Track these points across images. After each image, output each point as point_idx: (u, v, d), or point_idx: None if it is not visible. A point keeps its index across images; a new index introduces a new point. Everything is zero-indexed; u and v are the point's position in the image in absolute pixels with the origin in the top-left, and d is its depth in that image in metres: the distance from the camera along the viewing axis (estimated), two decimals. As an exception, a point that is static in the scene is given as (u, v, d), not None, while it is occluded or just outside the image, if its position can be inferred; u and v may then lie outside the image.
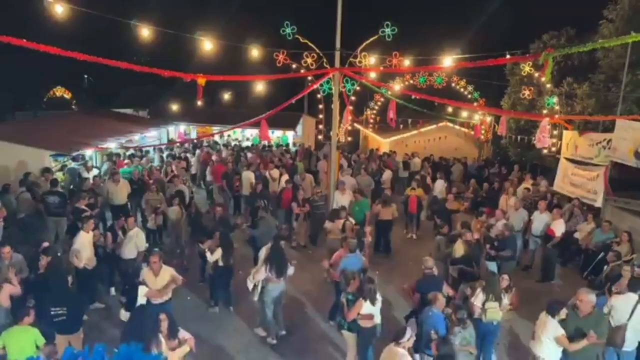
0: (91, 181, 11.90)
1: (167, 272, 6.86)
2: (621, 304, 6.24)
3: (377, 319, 6.26)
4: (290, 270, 7.32)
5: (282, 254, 7.36)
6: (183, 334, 5.48)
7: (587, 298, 5.69)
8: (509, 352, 7.42)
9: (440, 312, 5.91)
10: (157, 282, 6.72)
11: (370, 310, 6.14)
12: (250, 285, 7.20)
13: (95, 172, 13.23)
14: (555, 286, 9.72)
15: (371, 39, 12.33)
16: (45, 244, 7.39)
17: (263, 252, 7.39)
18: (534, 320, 7.95)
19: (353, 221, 9.39)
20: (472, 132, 20.58)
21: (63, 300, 6.19)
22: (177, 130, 23.46)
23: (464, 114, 21.54)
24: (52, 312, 6.05)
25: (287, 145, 22.13)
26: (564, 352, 5.76)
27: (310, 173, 14.74)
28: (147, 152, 16.90)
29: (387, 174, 15.22)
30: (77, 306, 6.40)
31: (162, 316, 5.39)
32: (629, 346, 6.14)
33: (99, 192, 11.11)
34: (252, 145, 21.44)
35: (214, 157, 15.70)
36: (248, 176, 12.91)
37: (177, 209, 10.00)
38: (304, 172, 14.40)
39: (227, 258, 7.83)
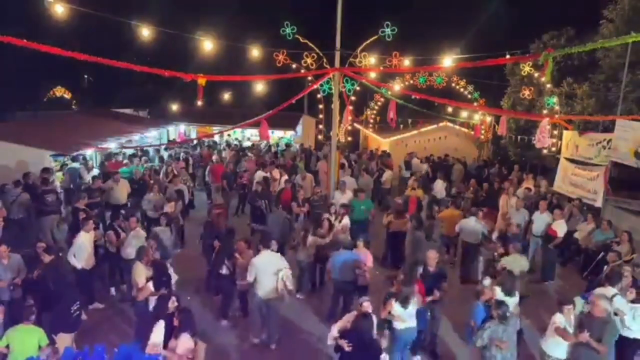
0: (91, 181, 11.93)
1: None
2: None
3: (412, 323, 6.25)
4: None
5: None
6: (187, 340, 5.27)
7: (599, 303, 5.70)
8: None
9: (482, 305, 6.06)
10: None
11: (400, 312, 6.13)
12: None
13: (95, 172, 13.24)
14: (554, 286, 9.73)
15: (371, 39, 12.34)
16: (42, 245, 7.36)
17: None
18: (533, 318, 8.03)
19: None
20: (472, 132, 20.57)
21: (77, 297, 6.35)
22: (177, 130, 23.45)
23: (464, 114, 21.51)
24: (71, 310, 6.15)
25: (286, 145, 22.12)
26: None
27: (310, 173, 14.74)
28: (147, 152, 16.91)
29: (387, 174, 15.22)
30: (82, 302, 6.51)
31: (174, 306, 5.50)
32: None
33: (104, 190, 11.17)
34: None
35: (213, 157, 15.70)
36: (260, 175, 12.94)
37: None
38: (304, 171, 14.40)
39: (218, 266, 7.66)
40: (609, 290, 6.41)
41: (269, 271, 6.90)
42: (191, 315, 5.44)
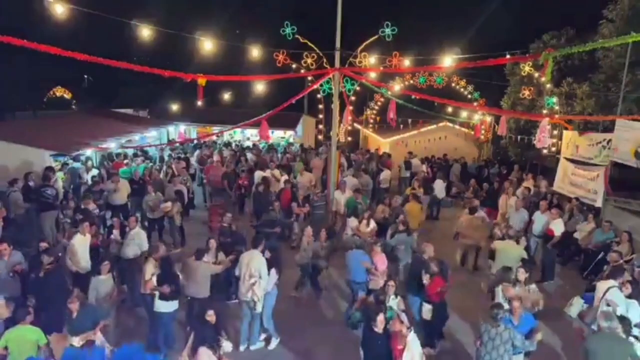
0: (89, 181, 11.95)
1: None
2: (600, 290, 6.57)
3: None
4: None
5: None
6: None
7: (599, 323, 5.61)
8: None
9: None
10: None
11: None
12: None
13: (94, 172, 13.23)
14: (554, 286, 9.72)
15: (371, 39, 12.34)
16: (44, 245, 7.35)
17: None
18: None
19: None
20: (472, 132, 20.57)
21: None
22: (177, 130, 23.44)
23: (464, 114, 21.53)
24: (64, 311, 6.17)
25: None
26: None
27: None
28: (146, 152, 16.91)
29: (385, 174, 15.21)
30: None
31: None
32: None
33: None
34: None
35: (214, 157, 15.68)
36: (261, 175, 12.87)
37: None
38: (302, 165, 14.36)
39: None
40: (609, 282, 6.58)
41: (247, 270, 6.85)
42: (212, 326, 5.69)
